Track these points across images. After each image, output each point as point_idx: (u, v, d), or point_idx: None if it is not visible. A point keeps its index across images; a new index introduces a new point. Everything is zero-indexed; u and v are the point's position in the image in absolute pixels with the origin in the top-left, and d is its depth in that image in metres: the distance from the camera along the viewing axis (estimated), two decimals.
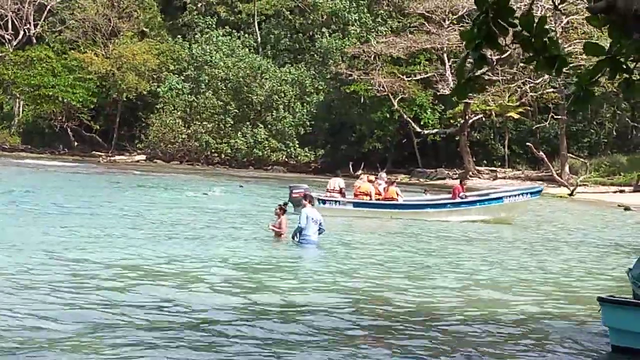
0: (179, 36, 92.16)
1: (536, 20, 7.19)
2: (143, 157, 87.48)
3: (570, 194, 58.73)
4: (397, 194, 35.64)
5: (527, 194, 36.43)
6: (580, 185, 61.06)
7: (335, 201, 35.00)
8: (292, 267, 19.41)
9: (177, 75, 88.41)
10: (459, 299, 15.79)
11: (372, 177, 37.63)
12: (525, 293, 16.87)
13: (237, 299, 14.63)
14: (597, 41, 8.02)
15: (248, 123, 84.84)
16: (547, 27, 7.31)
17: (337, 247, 23.56)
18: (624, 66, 7.44)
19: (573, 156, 72.72)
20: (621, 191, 58.62)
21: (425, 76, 76.16)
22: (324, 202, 34.60)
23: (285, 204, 25.30)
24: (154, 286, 15.34)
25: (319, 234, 23.35)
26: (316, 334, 12.23)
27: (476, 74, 7.62)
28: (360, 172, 79.82)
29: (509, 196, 35.73)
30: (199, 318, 12.75)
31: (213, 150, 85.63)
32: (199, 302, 13.92)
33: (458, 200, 35.40)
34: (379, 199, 35.42)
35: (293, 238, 23.20)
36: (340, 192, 35.77)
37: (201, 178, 60.58)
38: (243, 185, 52.16)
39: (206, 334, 11.78)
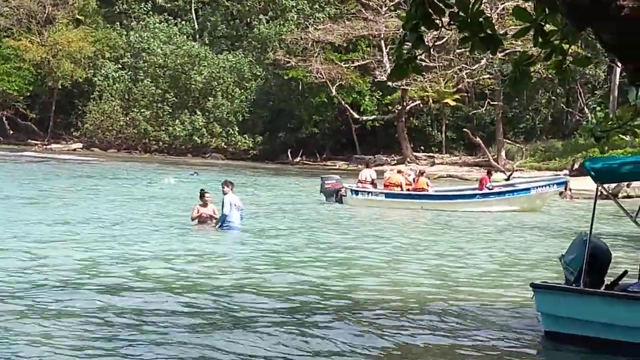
0: (117, 23, 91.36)
1: (472, 1, 7.29)
2: (80, 145, 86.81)
3: (507, 179, 59.18)
4: (428, 185, 36.29)
5: (553, 184, 36.79)
6: (516, 171, 61.65)
7: (368, 192, 35.62)
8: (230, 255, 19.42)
9: (114, 63, 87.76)
10: (390, 286, 15.84)
11: (401, 168, 38.31)
12: (461, 280, 16.91)
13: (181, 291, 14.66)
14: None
15: (186, 110, 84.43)
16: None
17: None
18: (548, 38, 7.57)
19: (509, 142, 73.58)
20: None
21: (363, 63, 76.31)
22: (356, 192, 35.52)
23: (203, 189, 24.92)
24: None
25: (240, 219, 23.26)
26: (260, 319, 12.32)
27: (414, 55, 7.69)
28: (298, 158, 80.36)
29: (536, 187, 36.07)
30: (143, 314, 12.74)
31: (151, 138, 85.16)
32: (140, 298, 13.86)
33: (486, 191, 35.74)
34: (409, 190, 35.83)
35: (220, 226, 23.04)
36: (372, 183, 36.42)
37: (152, 167, 60.18)
38: (197, 173, 51.66)
39: (148, 326, 11.81)
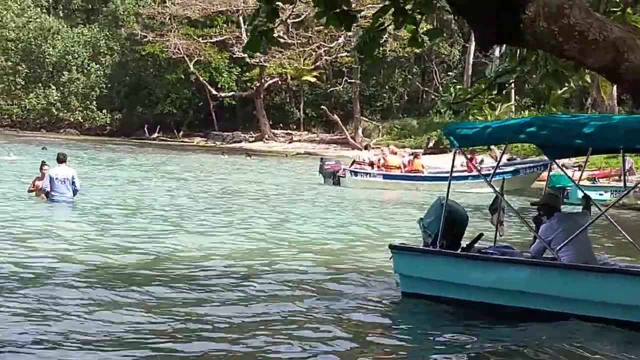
0: None
1: None
2: None
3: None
4: (422, 167, 37.28)
5: (540, 166, 37.53)
6: (373, 148, 62.34)
7: (366, 173, 36.57)
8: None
9: None
10: (253, 255, 15.80)
11: (396, 150, 39.72)
12: (327, 246, 17.09)
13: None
14: None
15: (40, 84, 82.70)
16: None
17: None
18: (408, 12, 7.65)
19: (366, 119, 74.47)
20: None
21: (221, 39, 75.96)
22: (355, 174, 36.39)
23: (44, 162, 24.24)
24: None
25: (75, 193, 22.59)
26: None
27: (270, 27, 7.65)
28: (156, 134, 79.56)
29: (524, 169, 36.72)
30: None
31: (3, 112, 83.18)
32: None
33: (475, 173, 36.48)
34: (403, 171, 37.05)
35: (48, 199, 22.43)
36: (370, 164, 37.34)
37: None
38: (46, 148, 50.23)
39: None
